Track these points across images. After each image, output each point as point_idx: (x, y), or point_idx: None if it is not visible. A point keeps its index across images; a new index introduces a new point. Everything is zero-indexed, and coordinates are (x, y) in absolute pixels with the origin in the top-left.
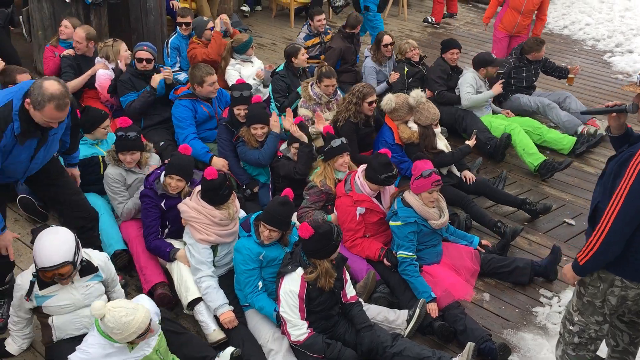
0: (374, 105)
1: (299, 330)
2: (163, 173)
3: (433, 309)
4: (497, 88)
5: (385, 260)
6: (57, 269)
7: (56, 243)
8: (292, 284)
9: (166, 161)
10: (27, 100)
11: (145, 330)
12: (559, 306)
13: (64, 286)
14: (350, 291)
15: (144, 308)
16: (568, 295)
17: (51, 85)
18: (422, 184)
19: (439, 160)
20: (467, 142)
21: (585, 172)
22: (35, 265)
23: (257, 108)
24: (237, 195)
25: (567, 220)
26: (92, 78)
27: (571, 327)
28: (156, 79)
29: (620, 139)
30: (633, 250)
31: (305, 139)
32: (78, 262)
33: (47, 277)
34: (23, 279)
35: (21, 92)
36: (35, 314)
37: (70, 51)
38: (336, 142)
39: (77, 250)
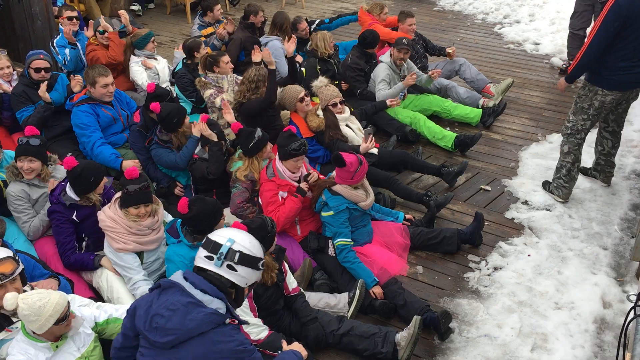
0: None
1: (258, 328)
2: (68, 184)
3: (378, 292)
4: (408, 81)
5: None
6: None
7: None
8: None
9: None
10: None
11: (64, 315)
12: (487, 269)
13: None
14: (291, 283)
15: (58, 293)
16: (494, 258)
17: None
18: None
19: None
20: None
21: (493, 140)
22: None
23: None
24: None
25: (483, 187)
26: None
27: (567, 124)
28: (43, 91)
29: None
30: (607, 71)
31: (214, 137)
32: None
33: None
34: None
35: None
36: None
37: None
38: (259, 133)
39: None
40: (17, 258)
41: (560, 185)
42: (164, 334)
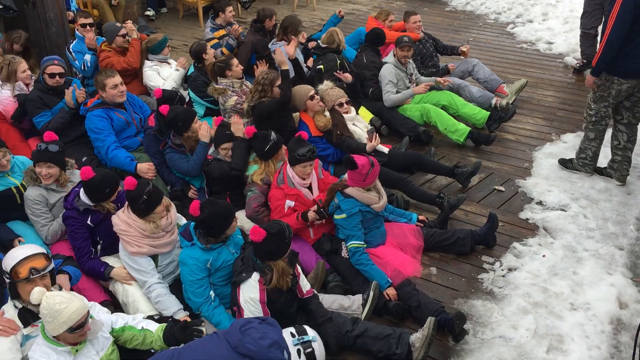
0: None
1: None
2: (82, 189)
3: (392, 294)
4: (419, 89)
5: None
6: (31, 260)
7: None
8: (250, 292)
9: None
10: None
11: (78, 325)
12: (502, 270)
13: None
14: (304, 285)
15: (82, 302)
16: (509, 259)
17: None
18: (358, 177)
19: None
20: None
21: (507, 140)
22: (6, 274)
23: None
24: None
25: (496, 187)
26: None
27: (590, 112)
28: (70, 95)
29: None
30: (622, 60)
31: (241, 134)
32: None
33: (20, 277)
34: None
35: None
36: None
37: None
38: (273, 136)
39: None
40: (49, 256)
41: (586, 164)
42: (251, 343)
